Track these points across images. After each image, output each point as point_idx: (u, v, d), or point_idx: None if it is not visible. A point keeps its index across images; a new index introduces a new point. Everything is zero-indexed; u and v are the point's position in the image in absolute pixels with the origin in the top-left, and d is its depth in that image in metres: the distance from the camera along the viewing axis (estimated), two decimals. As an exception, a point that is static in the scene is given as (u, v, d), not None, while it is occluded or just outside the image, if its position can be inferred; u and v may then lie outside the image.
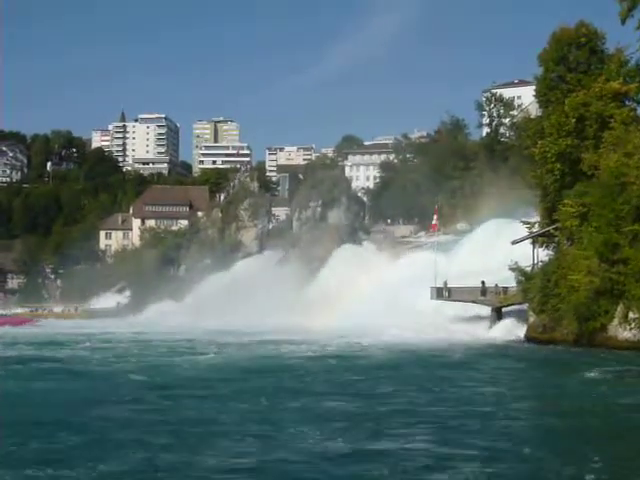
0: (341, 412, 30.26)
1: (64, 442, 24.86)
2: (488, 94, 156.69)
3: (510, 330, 73.11)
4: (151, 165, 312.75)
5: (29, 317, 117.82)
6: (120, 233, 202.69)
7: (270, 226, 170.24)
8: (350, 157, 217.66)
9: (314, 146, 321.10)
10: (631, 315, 57.74)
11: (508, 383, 39.46)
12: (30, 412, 30.88)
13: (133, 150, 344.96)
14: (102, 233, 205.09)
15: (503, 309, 77.75)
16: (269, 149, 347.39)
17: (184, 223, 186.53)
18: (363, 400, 33.04)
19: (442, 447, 23.72)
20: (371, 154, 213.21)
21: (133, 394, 35.88)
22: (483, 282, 78.65)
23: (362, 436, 25.40)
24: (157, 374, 43.59)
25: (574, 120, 70.50)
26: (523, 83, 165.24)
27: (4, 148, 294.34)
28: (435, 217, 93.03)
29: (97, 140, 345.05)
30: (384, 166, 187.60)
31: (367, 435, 25.59)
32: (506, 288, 76.68)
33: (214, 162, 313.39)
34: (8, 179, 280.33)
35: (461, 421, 27.96)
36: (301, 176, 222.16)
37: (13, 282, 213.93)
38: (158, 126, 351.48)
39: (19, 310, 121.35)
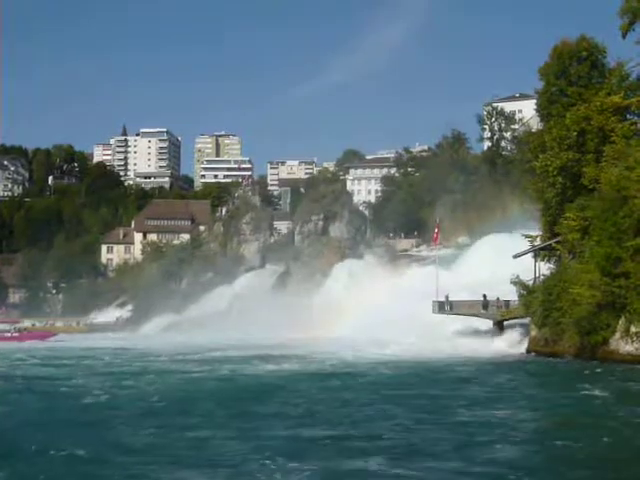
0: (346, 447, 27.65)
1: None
2: (489, 108, 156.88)
3: (512, 344, 73.01)
4: (153, 179, 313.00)
5: (50, 332, 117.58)
6: (122, 247, 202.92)
7: (272, 240, 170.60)
8: (352, 171, 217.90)
9: (315, 160, 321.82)
10: (633, 329, 57.57)
11: (515, 401, 38.90)
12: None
13: (135, 164, 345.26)
14: (104, 247, 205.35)
15: (505, 323, 77.64)
16: (271, 163, 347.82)
17: (186, 237, 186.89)
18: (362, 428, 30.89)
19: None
20: (372, 168, 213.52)
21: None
22: (484, 295, 78.57)
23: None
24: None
25: (575, 134, 70.47)
26: (524, 97, 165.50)
27: (6, 162, 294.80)
28: (436, 231, 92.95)
29: (99, 154, 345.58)
30: (385, 180, 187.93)
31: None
32: (508, 302, 76.59)
33: (216, 176, 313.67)
34: (10, 193, 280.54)
35: (465, 446, 27.13)
36: (302, 190, 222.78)
37: (15, 296, 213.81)
38: (160, 140, 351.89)
39: (26, 324, 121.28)
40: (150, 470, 23.36)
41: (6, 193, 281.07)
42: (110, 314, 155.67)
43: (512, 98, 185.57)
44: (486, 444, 26.85)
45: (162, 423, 31.80)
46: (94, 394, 41.58)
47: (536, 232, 77.41)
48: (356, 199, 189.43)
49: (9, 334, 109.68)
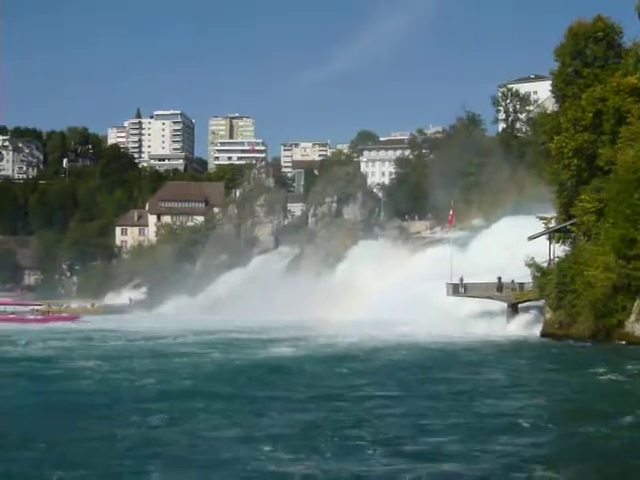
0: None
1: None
2: (504, 89, 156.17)
3: (526, 326, 72.89)
4: (167, 161, 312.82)
5: (75, 314, 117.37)
6: (136, 229, 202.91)
7: (286, 222, 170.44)
8: (365, 153, 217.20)
9: (329, 142, 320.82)
10: (648, 311, 57.52)
11: (530, 385, 38.74)
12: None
13: (149, 146, 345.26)
14: (118, 229, 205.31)
15: (519, 305, 77.44)
16: (284, 145, 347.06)
17: (200, 219, 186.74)
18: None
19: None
20: (386, 150, 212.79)
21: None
22: (499, 278, 78.33)
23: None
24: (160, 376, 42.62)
25: (591, 115, 70.17)
26: (539, 78, 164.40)
27: (20, 145, 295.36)
28: (451, 213, 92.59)
29: (113, 137, 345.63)
30: (399, 162, 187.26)
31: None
32: (522, 284, 76.30)
33: (229, 158, 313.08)
34: (24, 175, 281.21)
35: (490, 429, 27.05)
36: (316, 172, 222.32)
37: (30, 278, 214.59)
38: (174, 122, 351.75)
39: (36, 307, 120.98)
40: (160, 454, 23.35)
41: (21, 175, 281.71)
42: (125, 296, 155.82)
43: (527, 79, 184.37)
44: (502, 431, 26.58)
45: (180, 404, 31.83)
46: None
47: (551, 214, 77.16)
48: (370, 181, 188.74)
49: (33, 316, 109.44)
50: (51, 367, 46.49)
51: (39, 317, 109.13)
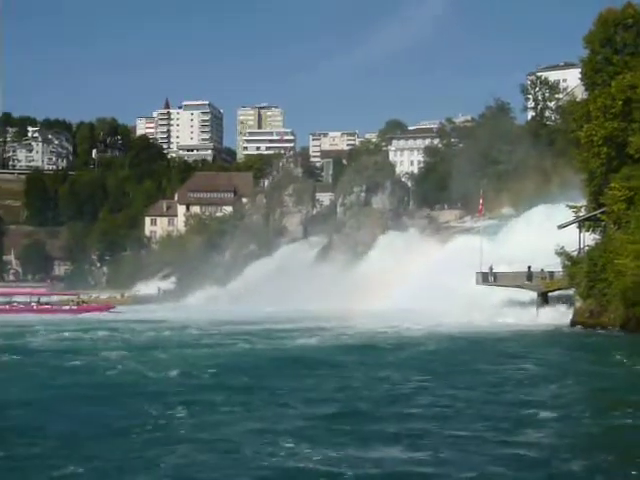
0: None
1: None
2: (533, 77, 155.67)
3: (556, 315, 72.53)
4: (195, 152, 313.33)
5: (108, 304, 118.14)
6: (165, 220, 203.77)
7: (314, 211, 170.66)
8: (394, 142, 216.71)
9: (358, 131, 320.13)
10: (679, 300, 57.11)
11: (563, 377, 37.12)
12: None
13: (177, 137, 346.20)
14: (147, 220, 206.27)
15: (549, 294, 77.20)
16: (313, 135, 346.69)
17: (228, 209, 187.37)
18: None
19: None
20: (415, 139, 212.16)
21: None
22: (529, 267, 78.10)
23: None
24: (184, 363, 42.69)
25: (621, 103, 69.58)
26: (569, 66, 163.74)
27: (50, 136, 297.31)
28: (481, 202, 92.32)
29: (142, 127, 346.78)
30: (428, 151, 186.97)
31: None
32: (552, 273, 76.06)
33: (258, 148, 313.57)
34: (54, 166, 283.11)
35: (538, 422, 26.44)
36: (345, 161, 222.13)
37: (60, 269, 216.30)
38: (202, 113, 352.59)
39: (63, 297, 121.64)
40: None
41: (51, 167, 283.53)
42: (154, 286, 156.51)
43: (556, 67, 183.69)
44: (534, 421, 26.20)
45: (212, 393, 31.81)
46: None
47: (581, 203, 76.71)
48: (399, 170, 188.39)
49: (68, 307, 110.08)
50: (79, 358, 46.50)
51: (74, 307, 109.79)
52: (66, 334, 66.37)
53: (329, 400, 30.36)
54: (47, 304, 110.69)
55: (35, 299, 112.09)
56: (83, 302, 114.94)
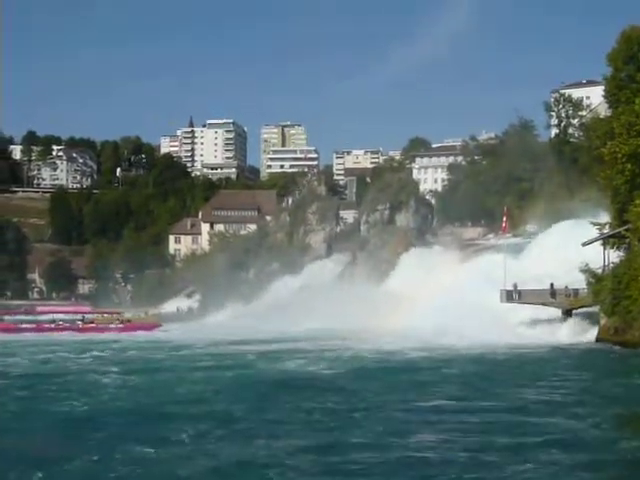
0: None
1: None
2: (557, 95, 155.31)
3: (581, 332, 72.42)
4: (219, 170, 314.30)
5: (155, 322, 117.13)
6: (189, 238, 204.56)
7: (338, 229, 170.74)
8: (417, 160, 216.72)
9: (381, 149, 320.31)
10: None
11: (591, 403, 35.67)
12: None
13: (201, 155, 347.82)
14: (171, 238, 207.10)
15: (573, 311, 77.03)
16: (336, 153, 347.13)
17: (252, 227, 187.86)
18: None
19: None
20: (439, 156, 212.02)
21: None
22: (552, 284, 77.94)
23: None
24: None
25: (644, 120, 69.55)
26: (592, 83, 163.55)
27: (75, 155, 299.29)
28: (505, 219, 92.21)
29: (166, 146, 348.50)
30: (452, 168, 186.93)
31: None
32: (576, 290, 75.90)
33: (282, 166, 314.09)
34: (79, 185, 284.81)
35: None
36: (368, 179, 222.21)
37: (84, 287, 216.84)
38: (226, 131, 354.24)
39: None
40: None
41: (75, 185, 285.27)
42: (179, 304, 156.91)
43: (579, 84, 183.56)
44: (564, 445, 25.81)
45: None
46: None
47: (605, 220, 76.56)
48: (422, 188, 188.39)
49: (114, 325, 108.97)
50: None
51: (120, 326, 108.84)
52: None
53: (344, 426, 29.87)
54: (92, 322, 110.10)
55: (79, 317, 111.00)
56: (128, 321, 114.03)
